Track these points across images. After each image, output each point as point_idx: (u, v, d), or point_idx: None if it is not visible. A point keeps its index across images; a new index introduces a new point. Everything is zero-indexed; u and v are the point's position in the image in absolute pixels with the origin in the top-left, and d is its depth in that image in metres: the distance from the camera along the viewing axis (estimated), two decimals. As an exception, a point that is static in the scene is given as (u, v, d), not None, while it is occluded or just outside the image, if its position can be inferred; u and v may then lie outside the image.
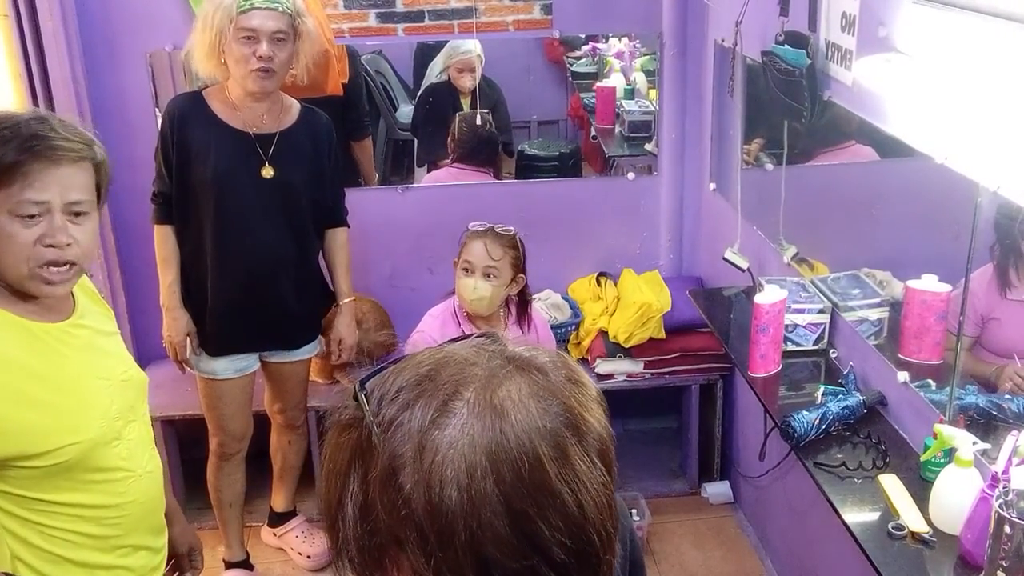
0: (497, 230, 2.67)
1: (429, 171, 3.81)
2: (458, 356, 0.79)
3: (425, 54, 3.77)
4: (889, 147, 2.28)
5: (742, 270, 3.03)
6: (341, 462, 0.79)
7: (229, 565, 3.24)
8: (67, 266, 1.61)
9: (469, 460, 0.73)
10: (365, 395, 0.78)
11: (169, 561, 2.01)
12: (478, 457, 0.73)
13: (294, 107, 2.85)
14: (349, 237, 3.03)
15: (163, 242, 2.85)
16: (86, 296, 1.80)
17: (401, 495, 0.73)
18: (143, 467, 1.77)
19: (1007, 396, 2.01)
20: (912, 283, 2.23)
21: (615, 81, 3.86)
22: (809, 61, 2.45)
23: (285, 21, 2.65)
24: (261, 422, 3.18)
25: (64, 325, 1.68)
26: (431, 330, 2.64)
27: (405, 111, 3.90)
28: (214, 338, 2.91)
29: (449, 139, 3.73)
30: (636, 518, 3.15)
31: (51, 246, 1.58)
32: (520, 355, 0.80)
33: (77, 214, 1.61)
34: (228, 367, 2.94)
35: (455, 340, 0.83)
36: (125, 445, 1.72)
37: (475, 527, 0.72)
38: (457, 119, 3.69)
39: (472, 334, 0.84)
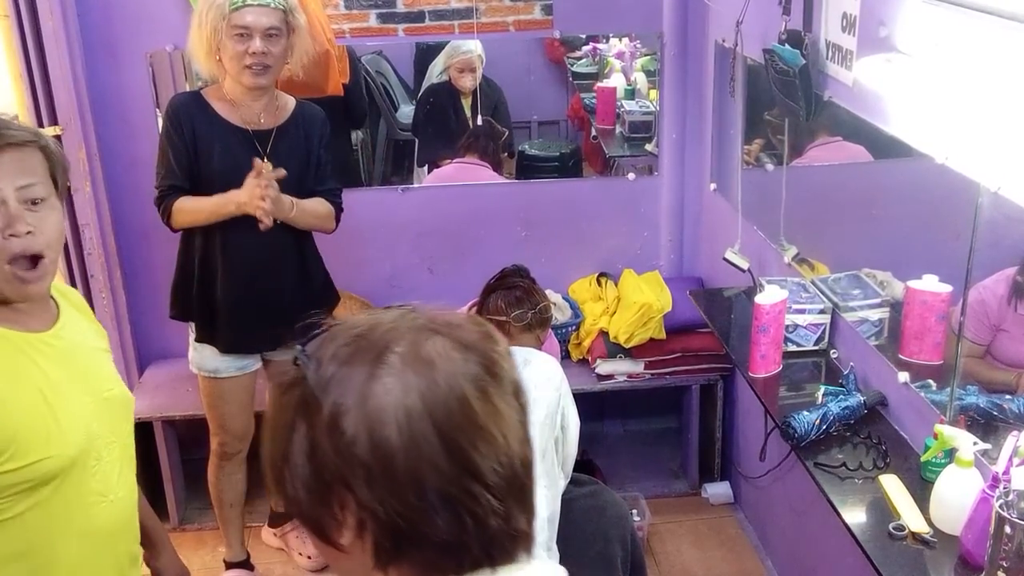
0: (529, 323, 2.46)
1: (430, 170, 3.81)
2: (386, 319, 0.90)
3: (425, 54, 3.76)
4: (889, 147, 2.28)
5: (742, 270, 3.03)
6: (286, 418, 0.88)
7: (229, 565, 3.24)
8: (36, 261, 1.53)
9: (406, 403, 0.83)
10: (306, 356, 0.88)
11: None
12: (412, 400, 0.84)
13: (289, 103, 2.86)
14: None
15: (187, 200, 2.74)
16: (77, 311, 1.73)
17: (344, 439, 0.84)
18: (115, 492, 1.66)
19: (1007, 396, 2.01)
20: (913, 283, 2.23)
21: (615, 81, 3.86)
22: (804, 61, 2.45)
23: (277, 17, 2.65)
24: (262, 422, 3.18)
25: (45, 336, 1.60)
26: None
27: (406, 111, 3.90)
28: (224, 335, 2.90)
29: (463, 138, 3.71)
30: (636, 518, 3.15)
31: (13, 236, 1.50)
32: (439, 317, 0.91)
33: (34, 202, 1.53)
34: (230, 365, 2.94)
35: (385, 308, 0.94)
36: (103, 468, 1.63)
37: (415, 459, 0.83)
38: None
39: (399, 304, 0.94)
